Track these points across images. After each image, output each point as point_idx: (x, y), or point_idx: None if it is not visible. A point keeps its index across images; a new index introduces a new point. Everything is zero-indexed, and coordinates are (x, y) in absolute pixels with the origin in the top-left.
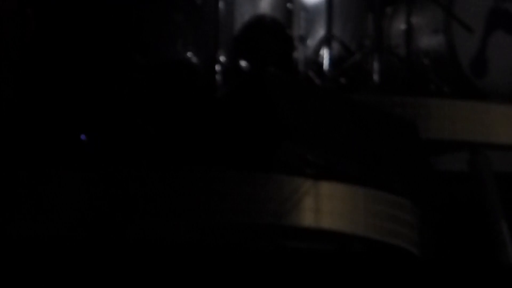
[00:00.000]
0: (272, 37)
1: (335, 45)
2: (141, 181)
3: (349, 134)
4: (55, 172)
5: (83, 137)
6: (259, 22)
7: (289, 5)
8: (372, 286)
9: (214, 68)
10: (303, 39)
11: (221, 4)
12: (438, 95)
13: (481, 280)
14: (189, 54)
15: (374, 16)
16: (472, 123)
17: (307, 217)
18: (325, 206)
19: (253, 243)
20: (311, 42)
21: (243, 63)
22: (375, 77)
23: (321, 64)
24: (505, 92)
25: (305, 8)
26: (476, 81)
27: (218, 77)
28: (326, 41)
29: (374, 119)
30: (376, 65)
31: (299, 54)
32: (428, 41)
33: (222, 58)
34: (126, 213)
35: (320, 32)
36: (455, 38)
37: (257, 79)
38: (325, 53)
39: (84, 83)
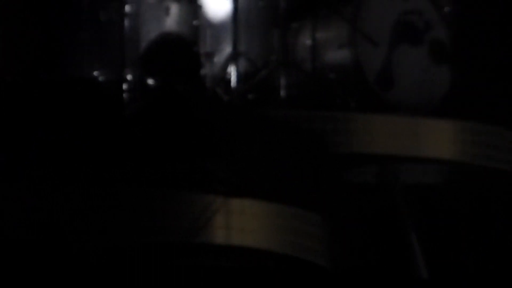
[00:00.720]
0: (179, 54)
1: (242, 61)
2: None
3: (259, 150)
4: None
5: None
6: (165, 40)
7: (195, 21)
8: None
9: (121, 85)
10: (210, 56)
11: (126, 21)
12: (344, 109)
13: None
14: (95, 72)
15: (280, 32)
16: (379, 136)
17: (219, 234)
18: (236, 223)
19: (166, 260)
20: (218, 59)
21: (150, 81)
22: (282, 92)
23: (229, 80)
24: (412, 105)
25: (211, 24)
26: (383, 94)
27: (125, 94)
28: (233, 57)
29: (283, 134)
30: (283, 81)
31: (206, 71)
32: (334, 55)
33: (129, 76)
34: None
35: (227, 48)
36: (360, 52)
37: (167, 97)
38: (232, 69)
39: None
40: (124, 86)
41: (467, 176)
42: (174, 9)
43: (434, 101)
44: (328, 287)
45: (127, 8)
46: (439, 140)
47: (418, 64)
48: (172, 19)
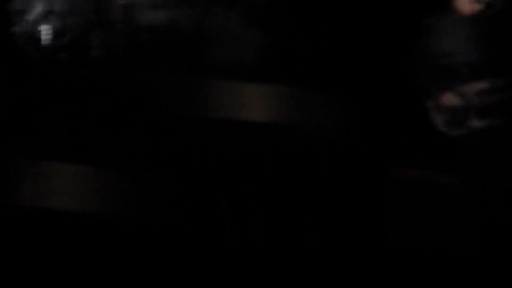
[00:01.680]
0: None
1: (54, 20)
2: None
3: (71, 110)
4: None
5: None
6: None
7: None
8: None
9: None
10: (21, 13)
11: None
12: (161, 72)
13: None
14: None
15: None
16: (192, 98)
17: (27, 197)
18: (44, 185)
19: None
20: (30, 16)
21: None
22: (95, 52)
23: (40, 39)
24: (225, 67)
25: None
26: (196, 56)
27: None
28: (45, 15)
29: (94, 93)
30: (96, 40)
31: (17, 29)
32: (149, 16)
33: None
34: None
35: (39, 6)
36: (175, 14)
37: None
38: (43, 28)
39: None
40: None
41: (281, 139)
42: None
43: (247, 64)
44: (132, 246)
45: None
46: (255, 103)
47: (233, 27)
48: None
